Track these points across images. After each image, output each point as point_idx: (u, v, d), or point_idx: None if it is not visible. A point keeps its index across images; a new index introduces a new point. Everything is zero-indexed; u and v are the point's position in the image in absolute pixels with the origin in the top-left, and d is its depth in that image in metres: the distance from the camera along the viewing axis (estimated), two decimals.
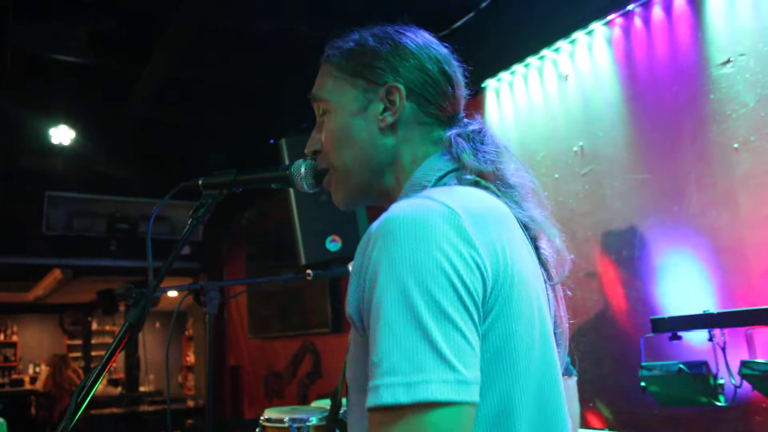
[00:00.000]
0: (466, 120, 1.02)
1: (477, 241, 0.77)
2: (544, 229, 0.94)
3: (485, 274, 0.77)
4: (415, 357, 0.69)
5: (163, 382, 11.93)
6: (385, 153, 0.98)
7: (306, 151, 1.05)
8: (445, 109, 1.00)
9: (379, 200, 1.04)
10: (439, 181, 0.92)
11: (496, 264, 0.78)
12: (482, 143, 0.97)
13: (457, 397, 0.69)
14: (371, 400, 0.71)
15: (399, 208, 0.79)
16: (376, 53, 0.98)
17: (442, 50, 1.02)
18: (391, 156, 0.98)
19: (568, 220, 2.87)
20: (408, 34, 1.01)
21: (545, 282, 0.94)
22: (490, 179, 0.93)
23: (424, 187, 0.92)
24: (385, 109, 0.97)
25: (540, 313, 0.85)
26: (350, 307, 0.82)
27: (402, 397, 0.69)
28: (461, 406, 0.70)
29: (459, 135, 0.96)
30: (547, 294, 0.93)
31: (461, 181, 0.91)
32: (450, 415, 0.69)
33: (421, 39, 1.01)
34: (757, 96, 2.24)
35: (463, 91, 1.03)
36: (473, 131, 0.98)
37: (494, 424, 0.78)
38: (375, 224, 0.79)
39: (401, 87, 0.97)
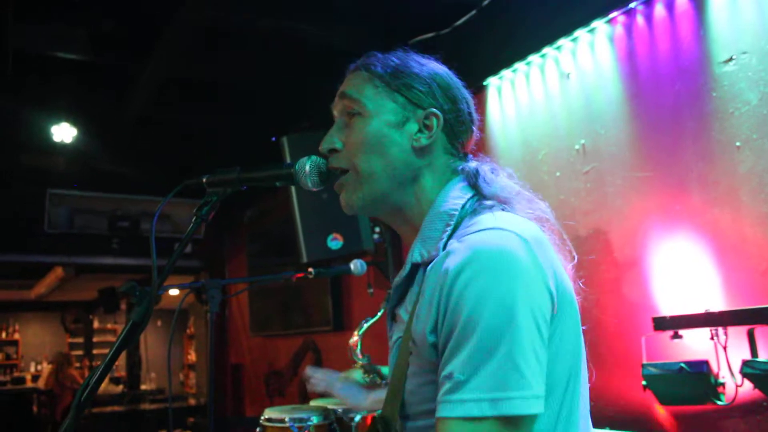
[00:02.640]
0: (478, 158, 1.11)
1: (545, 267, 0.88)
2: (561, 254, 1.01)
3: (552, 295, 0.88)
4: (500, 376, 0.79)
5: (165, 381, 11.94)
6: (410, 171, 1.04)
7: (321, 148, 1.07)
8: (465, 146, 1.09)
9: (388, 213, 1.08)
10: (462, 209, 1.00)
11: (556, 283, 0.89)
12: (497, 177, 1.05)
13: (531, 410, 0.80)
14: (455, 412, 0.80)
15: (482, 241, 0.87)
16: (418, 76, 1.05)
17: (468, 94, 1.11)
18: (414, 175, 1.04)
19: (569, 218, 2.87)
20: (443, 68, 1.10)
21: None
22: (509, 207, 1.01)
23: (451, 216, 0.99)
24: (419, 131, 1.03)
25: (579, 319, 0.96)
26: (423, 329, 0.89)
27: (488, 410, 0.79)
28: (533, 417, 0.82)
29: (481, 167, 1.05)
30: None
31: (487, 207, 0.98)
32: (524, 425, 0.81)
33: (454, 78, 1.10)
34: (760, 94, 2.24)
35: (476, 135, 1.12)
36: (490, 168, 1.07)
37: (559, 417, 0.89)
38: (457, 256, 0.87)
39: (440, 114, 1.04)
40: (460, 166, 1.06)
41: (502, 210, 0.98)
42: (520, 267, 0.84)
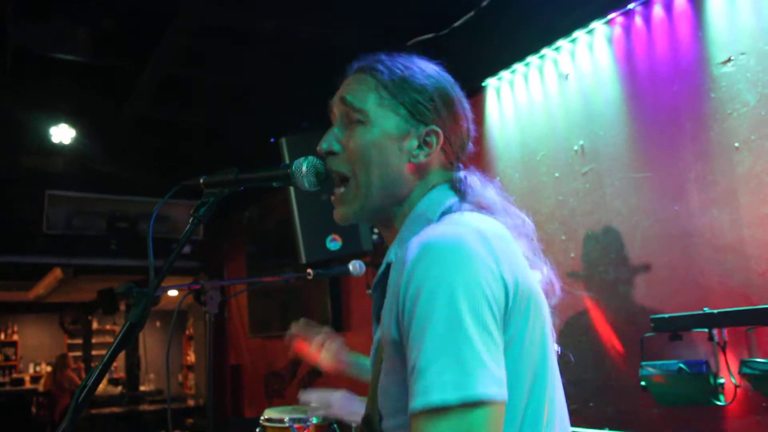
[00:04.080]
0: (468, 169, 1.10)
1: (501, 258, 0.87)
2: (534, 262, 1.01)
3: (508, 286, 0.86)
4: (461, 362, 0.78)
5: (164, 382, 11.94)
6: (406, 187, 1.04)
7: (320, 148, 1.07)
8: (460, 159, 1.09)
9: (378, 222, 1.09)
10: (442, 214, 0.99)
11: (515, 276, 0.88)
12: (483, 187, 1.05)
13: (496, 394, 0.79)
14: (419, 402, 0.79)
15: (436, 234, 0.87)
16: (424, 90, 1.03)
17: (467, 105, 1.10)
18: (408, 190, 1.04)
19: (568, 218, 2.87)
20: (447, 78, 1.08)
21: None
22: (488, 213, 1.00)
23: (429, 220, 0.99)
24: (418, 147, 1.03)
25: (547, 322, 0.95)
26: (388, 325, 0.90)
27: (451, 395, 0.77)
28: (499, 403, 0.80)
29: (468, 176, 1.05)
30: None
31: (462, 210, 0.98)
32: (490, 410, 0.79)
33: (457, 90, 1.08)
34: (758, 95, 2.24)
35: (471, 148, 1.12)
36: (477, 177, 1.06)
37: (526, 413, 0.88)
38: (413, 250, 0.87)
39: (440, 133, 1.03)
40: (449, 176, 1.06)
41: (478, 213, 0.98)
42: (471, 256, 0.84)
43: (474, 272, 0.83)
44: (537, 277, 0.97)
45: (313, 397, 2.01)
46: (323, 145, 1.06)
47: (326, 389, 2.03)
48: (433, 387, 0.78)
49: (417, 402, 0.79)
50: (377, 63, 1.06)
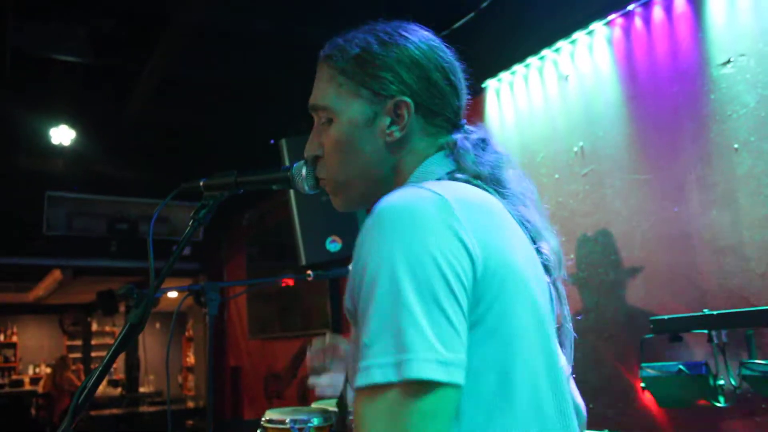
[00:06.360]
0: (469, 127, 1.03)
1: (466, 224, 0.79)
2: (541, 231, 0.95)
3: (473, 254, 0.79)
4: (402, 338, 0.72)
5: (163, 383, 11.93)
6: (389, 166, 0.98)
7: (306, 156, 1.05)
8: (450, 119, 1.00)
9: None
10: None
11: (486, 248, 0.80)
12: (484, 150, 0.98)
13: (438, 377, 0.72)
14: (362, 380, 0.74)
15: (389, 198, 0.81)
16: (382, 61, 0.96)
17: (447, 57, 1.01)
18: (395, 167, 0.99)
19: (568, 220, 2.87)
20: (412, 38, 0.99)
21: (547, 281, 0.94)
22: (486, 182, 0.94)
23: None
24: (392, 123, 0.96)
25: (536, 303, 0.86)
26: (347, 299, 0.84)
27: (391, 375, 0.72)
28: (444, 387, 0.73)
29: (464, 140, 0.98)
30: (549, 292, 0.93)
31: (453, 179, 0.92)
32: (433, 394, 0.72)
33: (426, 44, 0.99)
34: (758, 96, 2.24)
35: (466, 99, 1.03)
36: (477, 138, 0.99)
37: (494, 402, 0.80)
38: (369, 217, 0.82)
39: (409, 102, 0.96)
40: (444, 140, 0.99)
41: (466, 183, 0.91)
42: (424, 221, 0.77)
43: (424, 240, 0.76)
44: (526, 250, 0.89)
45: (323, 380, 2.02)
46: (308, 153, 1.03)
47: (335, 373, 2.04)
48: (375, 366, 0.73)
49: (360, 380, 0.74)
50: (333, 49, 1.00)
